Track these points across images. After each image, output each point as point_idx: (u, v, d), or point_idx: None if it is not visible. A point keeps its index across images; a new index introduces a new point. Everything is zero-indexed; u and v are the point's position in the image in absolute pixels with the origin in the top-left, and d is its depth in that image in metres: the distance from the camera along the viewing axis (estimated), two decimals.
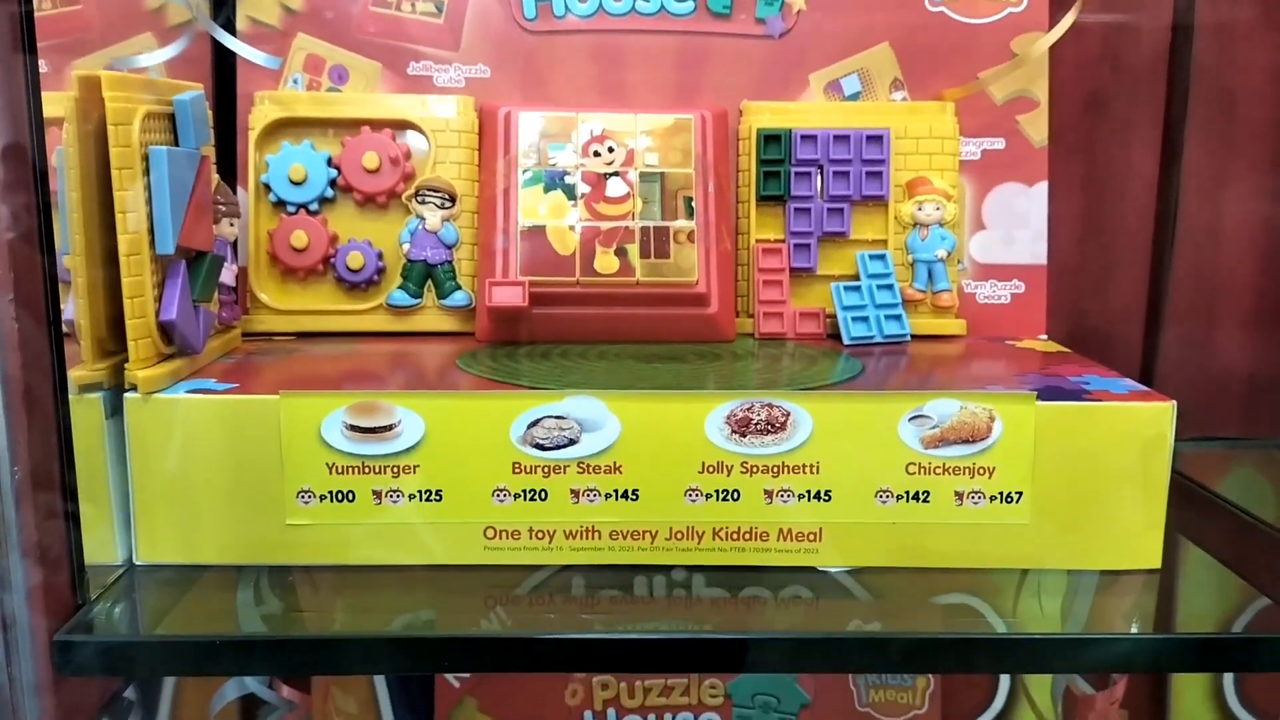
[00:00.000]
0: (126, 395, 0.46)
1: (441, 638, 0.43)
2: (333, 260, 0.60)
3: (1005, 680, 0.71)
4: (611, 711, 0.71)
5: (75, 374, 0.46)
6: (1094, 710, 0.58)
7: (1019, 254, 0.63)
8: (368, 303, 0.60)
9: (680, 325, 0.59)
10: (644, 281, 0.58)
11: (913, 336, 0.60)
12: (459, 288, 0.60)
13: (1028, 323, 0.63)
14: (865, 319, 0.59)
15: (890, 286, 0.60)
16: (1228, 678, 0.71)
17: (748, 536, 0.48)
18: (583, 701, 0.70)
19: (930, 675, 0.70)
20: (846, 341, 0.59)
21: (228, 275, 0.55)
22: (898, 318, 0.60)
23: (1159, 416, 0.48)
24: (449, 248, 0.60)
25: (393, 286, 0.60)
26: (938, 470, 0.48)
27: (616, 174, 0.59)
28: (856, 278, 0.61)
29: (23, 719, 0.42)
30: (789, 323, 0.61)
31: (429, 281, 0.60)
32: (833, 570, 0.49)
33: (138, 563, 0.48)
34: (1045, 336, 0.63)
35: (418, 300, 0.60)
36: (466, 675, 0.70)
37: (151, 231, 0.47)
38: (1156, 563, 0.49)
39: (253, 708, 0.60)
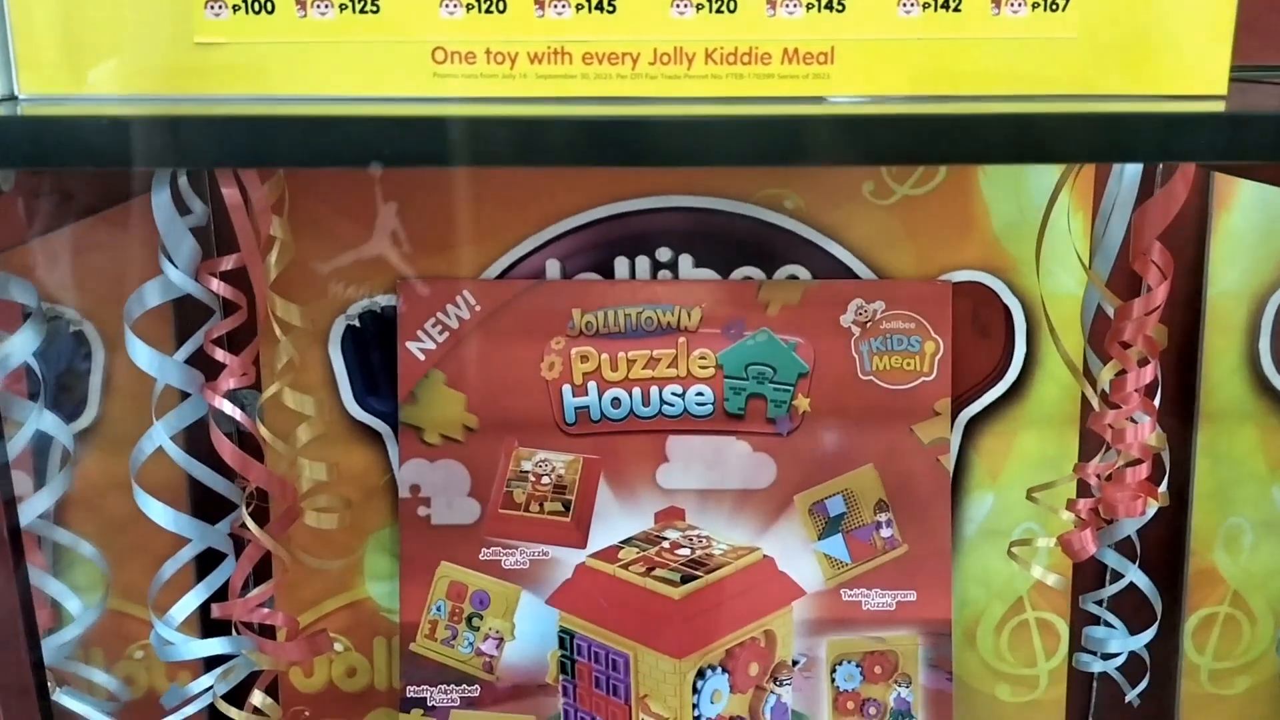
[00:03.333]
0: None
1: (393, 117, 0.35)
2: None
3: (1022, 344, 0.65)
4: (592, 385, 0.64)
5: None
6: (1130, 319, 0.52)
7: None
8: None
9: None
10: None
11: None
12: None
13: None
14: None
15: None
16: (1264, 343, 0.65)
17: (746, 59, 0.41)
18: (561, 375, 0.64)
19: (939, 339, 0.64)
20: None
21: None
22: None
23: None
24: None
25: None
26: None
27: None
28: None
29: None
30: None
31: None
32: (845, 100, 0.41)
33: (20, 95, 0.40)
34: None
35: None
36: (432, 346, 0.64)
37: None
38: (1222, 87, 0.42)
39: (186, 321, 0.54)
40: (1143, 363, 0.53)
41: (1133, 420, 0.54)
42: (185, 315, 0.53)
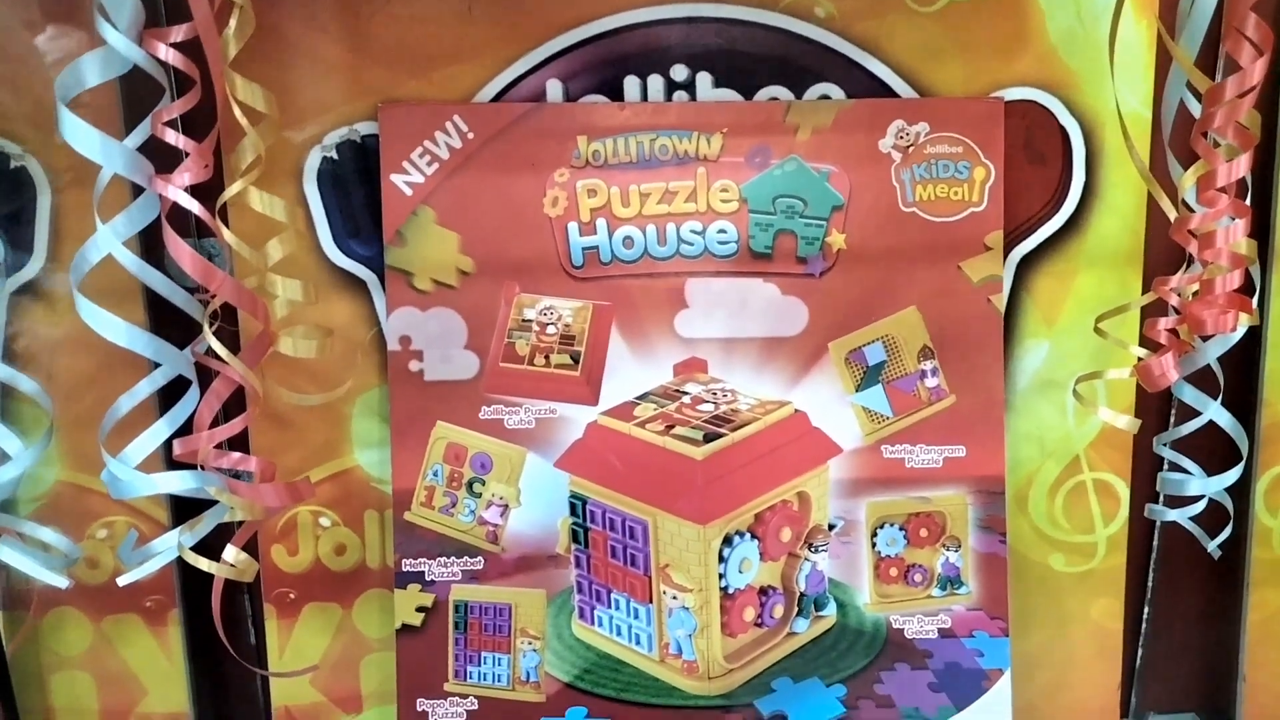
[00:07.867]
0: None
1: None
2: None
3: (1080, 172, 0.58)
4: (601, 222, 0.57)
5: None
6: (1220, 103, 0.45)
7: None
8: None
9: None
10: None
11: None
12: None
13: None
14: None
15: None
16: None
17: None
18: (566, 211, 0.57)
19: (990, 164, 0.57)
20: None
21: None
22: None
23: None
24: None
25: None
26: None
27: None
28: None
29: None
30: None
31: None
32: None
33: None
34: None
35: None
36: (420, 179, 0.57)
37: None
38: None
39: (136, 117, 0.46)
40: (1232, 157, 0.47)
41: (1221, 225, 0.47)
42: (135, 109, 0.46)
